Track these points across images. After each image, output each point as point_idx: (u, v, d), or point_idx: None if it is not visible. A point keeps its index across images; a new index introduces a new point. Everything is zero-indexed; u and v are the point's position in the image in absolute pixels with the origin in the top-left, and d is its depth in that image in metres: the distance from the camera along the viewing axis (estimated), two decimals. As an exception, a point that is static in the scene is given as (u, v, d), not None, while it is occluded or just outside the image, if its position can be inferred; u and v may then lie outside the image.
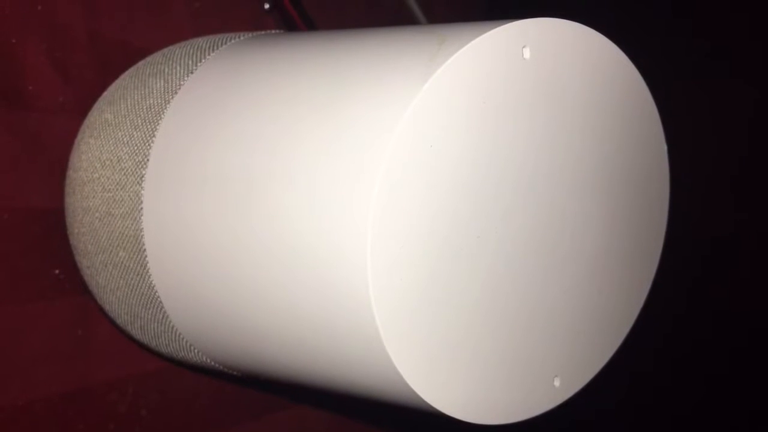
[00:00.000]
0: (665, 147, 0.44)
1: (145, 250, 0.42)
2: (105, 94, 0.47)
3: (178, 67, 0.43)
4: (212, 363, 0.45)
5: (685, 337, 0.89)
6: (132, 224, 0.42)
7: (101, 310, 0.49)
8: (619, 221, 0.42)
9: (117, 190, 0.42)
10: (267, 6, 0.61)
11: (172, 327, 0.43)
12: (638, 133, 0.42)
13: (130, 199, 0.42)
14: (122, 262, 0.43)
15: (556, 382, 0.40)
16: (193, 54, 0.44)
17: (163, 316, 0.43)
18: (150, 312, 0.43)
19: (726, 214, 0.87)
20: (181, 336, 0.43)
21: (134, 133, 0.43)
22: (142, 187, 0.41)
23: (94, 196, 0.43)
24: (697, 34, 0.88)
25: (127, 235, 0.42)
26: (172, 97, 0.42)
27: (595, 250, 0.41)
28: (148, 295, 0.43)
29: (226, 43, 0.44)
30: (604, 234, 0.41)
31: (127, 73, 0.47)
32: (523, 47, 0.35)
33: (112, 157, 0.43)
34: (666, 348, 0.88)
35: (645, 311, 0.45)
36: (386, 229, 0.32)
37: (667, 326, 0.86)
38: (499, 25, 0.34)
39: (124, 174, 0.42)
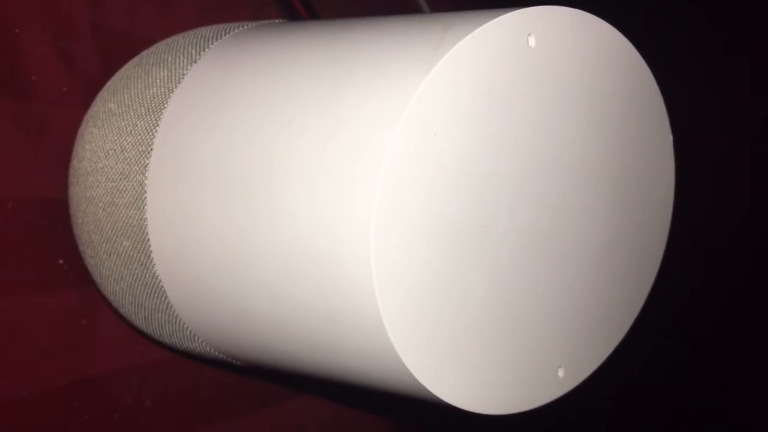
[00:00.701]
0: (671, 137, 0.44)
1: (149, 239, 0.42)
2: (108, 83, 0.47)
3: (181, 57, 0.43)
4: (216, 353, 0.45)
5: (687, 330, 0.89)
6: (136, 214, 0.42)
7: (105, 300, 0.49)
8: (624, 212, 0.42)
9: (121, 179, 0.42)
10: (271, -4, 0.61)
11: (176, 317, 0.43)
12: (643, 124, 0.42)
13: (134, 188, 0.42)
14: (126, 252, 0.43)
15: (560, 373, 0.40)
16: (196, 43, 0.44)
17: (167, 306, 0.43)
18: (154, 302, 0.43)
19: (729, 209, 0.87)
20: (186, 326, 0.43)
21: (138, 122, 0.42)
22: (145, 177, 0.41)
23: (97, 186, 0.43)
24: (704, 23, 0.87)
25: (131, 225, 0.42)
26: (176, 87, 0.42)
27: (600, 242, 0.41)
28: (152, 284, 0.43)
29: (229, 33, 0.44)
30: (609, 225, 0.41)
31: (130, 62, 0.47)
32: (529, 35, 0.35)
33: (115, 147, 0.43)
34: (668, 341, 0.88)
35: (648, 303, 0.45)
36: (390, 220, 0.32)
37: (670, 318, 0.85)
38: (504, 13, 0.34)
39: (128, 164, 0.42)
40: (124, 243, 0.43)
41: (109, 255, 0.44)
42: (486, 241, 0.35)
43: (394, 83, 0.33)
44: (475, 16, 0.34)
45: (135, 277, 0.43)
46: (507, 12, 0.34)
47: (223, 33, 0.44)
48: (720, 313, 0.89)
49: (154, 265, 0.42)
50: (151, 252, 0.42)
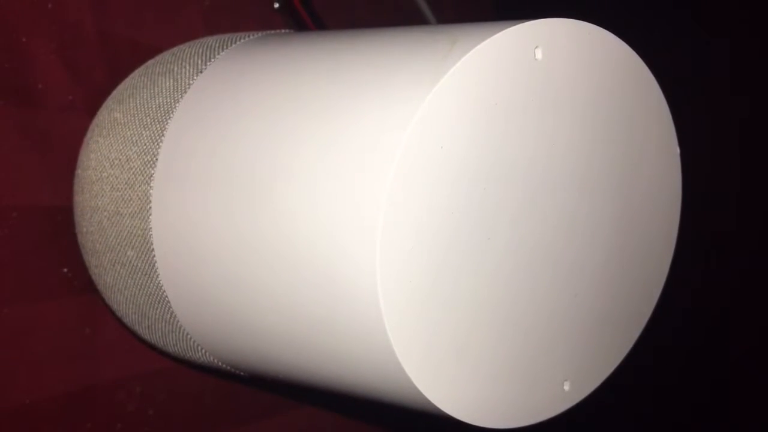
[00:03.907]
0: (677, 150, 0.44)
1: (153, 249, 0.41)
2: (114, 92, 0.47)
3: (187, 66, 0.43)
4: (219, 363, 0.45)
5: (692, 338, 0.89)
6: (140, 223, 0.42)
7: (109, 309, 0.49)
8: (630, 223, 0.42)
9: (125, 189, 0.42)
10: (277, 5, 0.61)
11: (180, 326, 0.43)
12: (650, 136, 0.42)
13: (139, 198, 0.42)
14: (130, 261, 0.43)
15: (566, 386, 0.40)
16: (202, 53, 0.44)
17: (170, 316, 0.43)
18: (158, 311, 0.43)
19: (727, 214, 0.87)
20: (189, 336, 0.43)
21: (143, 132, 0.42)
22: (150, 187, 0.41)
23: (102, 195, 0.43)
24: (709, 35, 0.87)
25: (135, 234, 0.42)
26: (182, 97, 0.42)
27: (606, 252, 0.41)
28: (156, 294, 0.42)
29: (235, 43, 0.44)
30: (615, 236, 0.41)
31: (136, 71, 0.47)
32: (536, 48, 0.35)
33: (120, 156, 0.43)
34: (673, 349, 0.88)
35: (655, 314, 0.44)
36: (395, 230, 0.32)
37: (676, 327, 0.85)
38: (512, 26, 0.34)
39: (133, 173, 0.42)
40: (128, 252, 0.43)
41: (113, 264, 0.44)
42: (491, 252, 0.35)
43: (400, 95, 0.33)
44: (483, 29, 0.34)
45: (139, 286, 0.43)
46: (514, 24, 0.34)
47: (229, 43, 0.44)
48: (725, 317, 0.89)
49: (158, 274, 0.42)
50: (156, 262, 0.42)
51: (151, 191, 0.41)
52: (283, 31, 0.48)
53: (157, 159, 0.41)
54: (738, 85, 0.86)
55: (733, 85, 0.87)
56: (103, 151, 0.44)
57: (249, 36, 0.45)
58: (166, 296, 0.42)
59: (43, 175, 0.48)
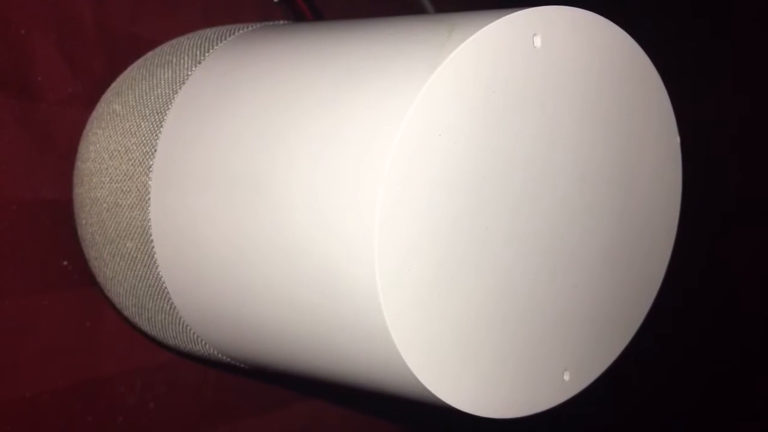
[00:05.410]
0: (678, 139, 0.43)
1: (152, 240, 0.41)
2: (113, 84, 0.47)
3: (185, 57, 0.43)
4: (220, 355, 0.45)
5: (694, 327, 0.89)
6: (139, 215, 0.42)
7: (109, 302, 0.49)
8: (631, 214, 0.42)
9: (125, 180, 0.42)
10: (276, -2, 0.61)
11: (180, 319, 0.43)
12: (650, 125, 0.42)
13: (138, 189, 0.42)
14: (129, 253, 0.43)
15: (566, 376, 0.40)
16: (201, 44, 0.44)
17: (170, 308, 0.43)
18: (157, 303, 0.43)
19: (727, 205, 0.87)
20: (189, 328, 0.43)
21: (142, 123, 0.42)
22: (149, 178, 0.41)
23: (101, 187, 0.43)
24: (708, 25, 0.87)
25: (134, 226, 0.42)
26: (180, 88, 0.42)
27: (606, 243, 0.41)
28: (156, 286, 0.42)
29: (233, 34, 0.44)
30: (615, 226, 0.41)
31: (135, 63, 0.47)
32: (534, 35, 0.35)
33: (119, 148, 0.43)
34: (674, 339, 0.88)
35: (655, 304, 0.44)
36: (393, 222, 0.32)
37: (677, 318, 0.85)
38: (509, 13, 0.34)
39: (132, 165, 0.42)
40: (127, 244, 0.43)
41: (113, 256, 0.44)
42: (490, 242, 0.35)
43: (398, 83, 0.33)
44: (481, 16, 0.34)
45: (138, 278, 0.43)
46: (512, 12, 0.34)
47: (227, 34, 0.44)
48: (727, 307, 0.89)
49: (157, 266, 0.42)
50: (155, 253, 0.42)
51: (150, 183, 0.41)
52: (281, 22, 0.48)
53: (155, 150, 0.41)
54: (739, 74, 0.86)
55: (735, 75, 0.86)
56: (102, 143, 0.44)
57: (247, 27, 0.45)
58: (166, 288, 0.42)
59: (43, 168, 0.48)
